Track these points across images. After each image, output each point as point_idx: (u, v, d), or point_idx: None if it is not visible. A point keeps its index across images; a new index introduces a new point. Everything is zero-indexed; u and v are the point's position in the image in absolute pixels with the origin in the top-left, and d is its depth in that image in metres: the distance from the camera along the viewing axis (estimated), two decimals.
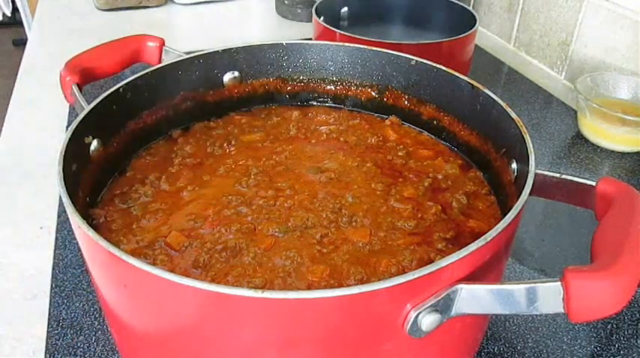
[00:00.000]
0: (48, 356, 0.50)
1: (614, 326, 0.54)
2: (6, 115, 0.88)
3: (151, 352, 0.40)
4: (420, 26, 1.03)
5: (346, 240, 0.46)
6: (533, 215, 0.67)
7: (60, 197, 0.57)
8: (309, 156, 0.58)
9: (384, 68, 0.62)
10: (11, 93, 0.94)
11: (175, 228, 0.47)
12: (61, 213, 0.67)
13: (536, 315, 0.54)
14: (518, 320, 0.54)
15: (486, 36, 1.22)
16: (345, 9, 1.04)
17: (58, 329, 0.52)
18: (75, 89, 0.54)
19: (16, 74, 1.01)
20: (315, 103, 0.67)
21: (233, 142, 0.60)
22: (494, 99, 0.51)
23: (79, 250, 0.52)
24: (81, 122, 0.46)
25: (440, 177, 0.55)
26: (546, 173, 0.42)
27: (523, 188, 0.40)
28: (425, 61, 0.59)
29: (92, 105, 0.49)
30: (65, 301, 0.55)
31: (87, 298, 0.55)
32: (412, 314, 0.33)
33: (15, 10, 3.01)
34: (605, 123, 0.79)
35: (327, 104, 0.67)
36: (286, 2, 1.29)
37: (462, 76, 0.56)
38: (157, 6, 1.34)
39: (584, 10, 0.95)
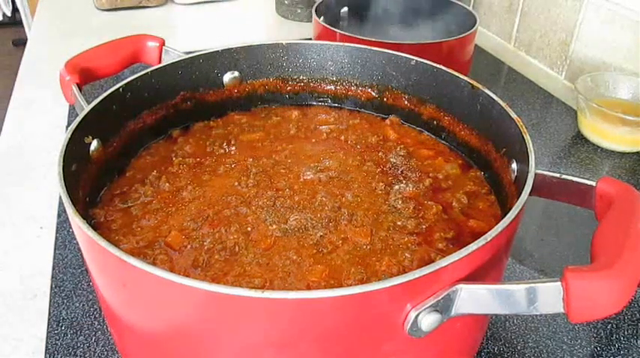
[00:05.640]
0: (48, 356, 0.50)
1: (614, 326, 0.54)
2: (6, 115, 0.88)
3: (150, 352, 0.40)
4: (420, 26, 1.03)
5: (346, 240, 0.46)
6: (533, 215, 0.67)
7: (60, 197, 0.57)
8: (309, 156, 0.58)
9: (384, 68, 0.62)
10: (11, 93, 0.94)
11: (175, 227, 0.47)
12: (61, 213, 0.67)
13: (536, 315, 0.54)
14: (518, 320, 0.54)
15: (486, 36, 1.22)
16: (345, 9, 1.04)
17: (58, 329, 0.52)
18: (75, 89, 0.54)
19: (16, 74, 1.01)
20: (315, 103, 0.67)
21: (233, 142, 0.60)
22: (494, 99, 0.51)
23: (79, 250, 0.52)
24: (81, 122, 0.46)
25: (440, 176, 0.55)
26: (546, 173, 0.42)
27: (523, 188, 0.40)
28: (425, 61, 0.59)
29: (92, 105, 0.49)
30: (65, 301, 0.55)
31: (87, 298, 0.55)
32: (412, 314, 0.33)
33: (15, 10, 3.01)
34: (605, 123, 0.79)
35: (327, 104, 0.67)
36: (286, 2, 1.29)
37: (462, 76, 0.56)
38: (156, 6, 1.35)
39: (584, 10, 0.95)
